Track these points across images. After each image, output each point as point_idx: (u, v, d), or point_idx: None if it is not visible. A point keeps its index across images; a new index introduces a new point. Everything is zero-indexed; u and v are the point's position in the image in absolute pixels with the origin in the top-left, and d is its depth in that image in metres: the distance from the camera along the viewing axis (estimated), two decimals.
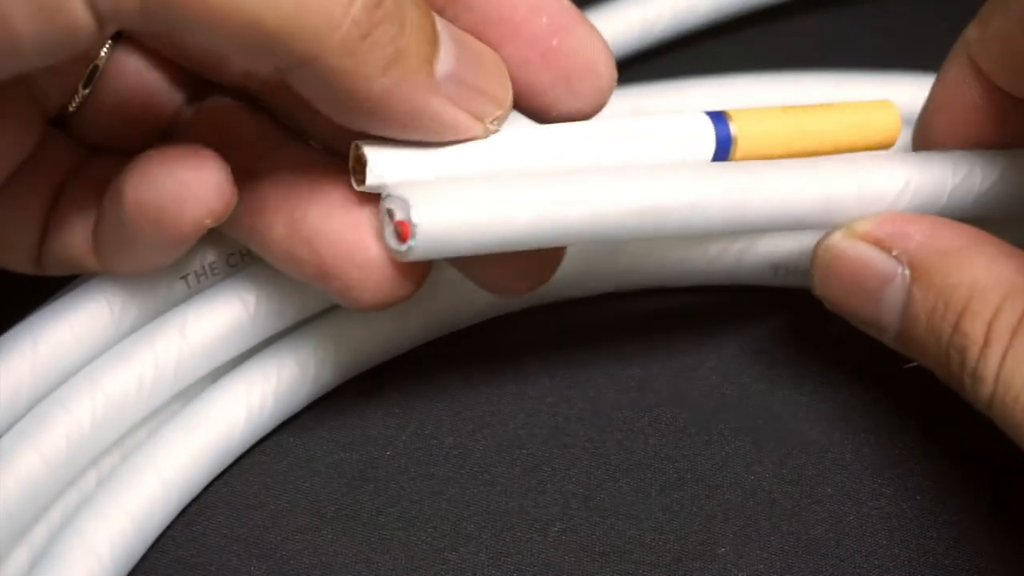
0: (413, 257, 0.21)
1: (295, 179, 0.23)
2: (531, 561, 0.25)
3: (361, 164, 0.21)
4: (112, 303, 0.24)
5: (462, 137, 0.22)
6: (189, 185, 0.21)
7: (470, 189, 0.21)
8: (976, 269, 0.23)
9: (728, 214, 0.23)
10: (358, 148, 0.22)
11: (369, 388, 0.28)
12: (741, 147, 0.24)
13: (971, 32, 0.25)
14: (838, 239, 0.25)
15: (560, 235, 0.22)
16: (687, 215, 0.23)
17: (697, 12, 0.35)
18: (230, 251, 0.26)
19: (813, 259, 0.25)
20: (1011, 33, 0.23)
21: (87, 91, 0.24)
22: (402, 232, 0.21)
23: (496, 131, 0.22)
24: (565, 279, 0.28)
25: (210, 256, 0.25)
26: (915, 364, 0.25)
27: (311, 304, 0.26)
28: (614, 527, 0.25)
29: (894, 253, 0.24)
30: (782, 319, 0.29)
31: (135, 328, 0.25)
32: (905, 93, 0.30)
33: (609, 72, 0.23)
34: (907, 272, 0.24)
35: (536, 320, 0.29)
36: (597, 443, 0.27)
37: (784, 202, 0.24)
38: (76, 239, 0.23)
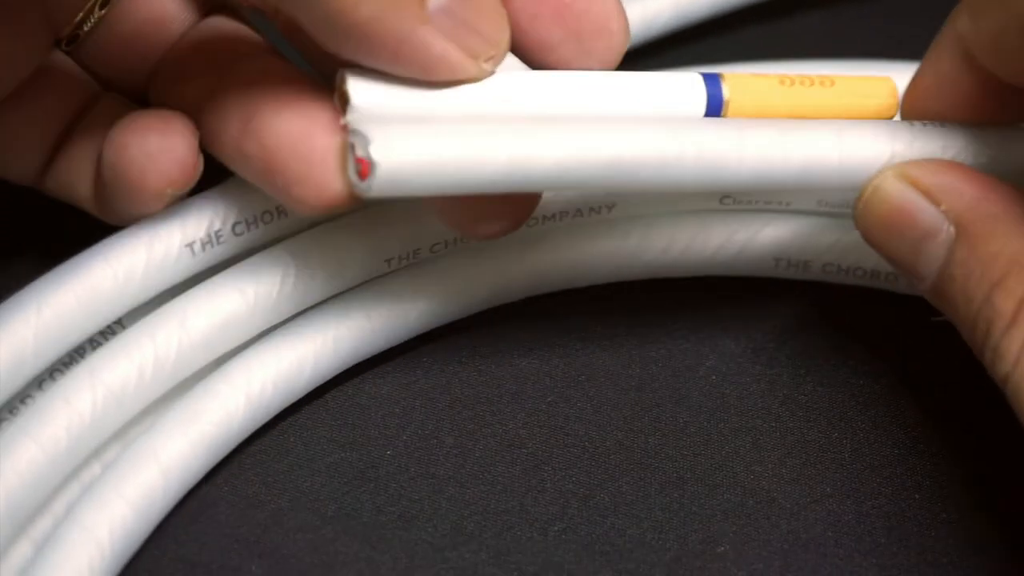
0: (372, 195, 0.21)
1: (257, 82, 0.23)
2: (531, 560, 0.25)
3: (345, 96, 0.21)
4: (116, 270, 0.24)
5: (455, 75, 0.21)
6: (154, 156, 0.22)
7: (437, 131, 0.21)
8: (1019, 240, 0.22)
9: (703, 170, 0.22)
10: (342, 77, 0.21)
11: (369, 387, 0.28)
12: (732, 111, 0.24)
13: (962, 23, 0.24)
14: (888, 179, 0.24)
15: (529, 182, 0.21)
16: (660, 169, 0.22)
17: (698, 7, 0.35)
18: (235, 220, 0.26)
19: (859, 199, 0.24)
20: (1008, 28, 0.23)
21: (103, 12, 0.24)
22: (361, 169, 0.21)
23: (490, 72, 0.22)
24: (565, 269, 0.28)
25: (216, 224, 0.25)
26: (942, 319, 0.24)
27: (312, 295, 0.26)
28: (614, 526, 0.25)
29: (942, 208, 0.23)
30: (782, 319, 0.29)
31: (140, 296, 0.25)
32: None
33: (622, 32, 0.23)
34: (952, 230, 0.23)
35: (536, 319, 0.29)
36: (597, 443, 0.27)
37: (761, 162, 0.23)
38: (81, 178, 0.24)
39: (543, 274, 0.28)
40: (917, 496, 0.26)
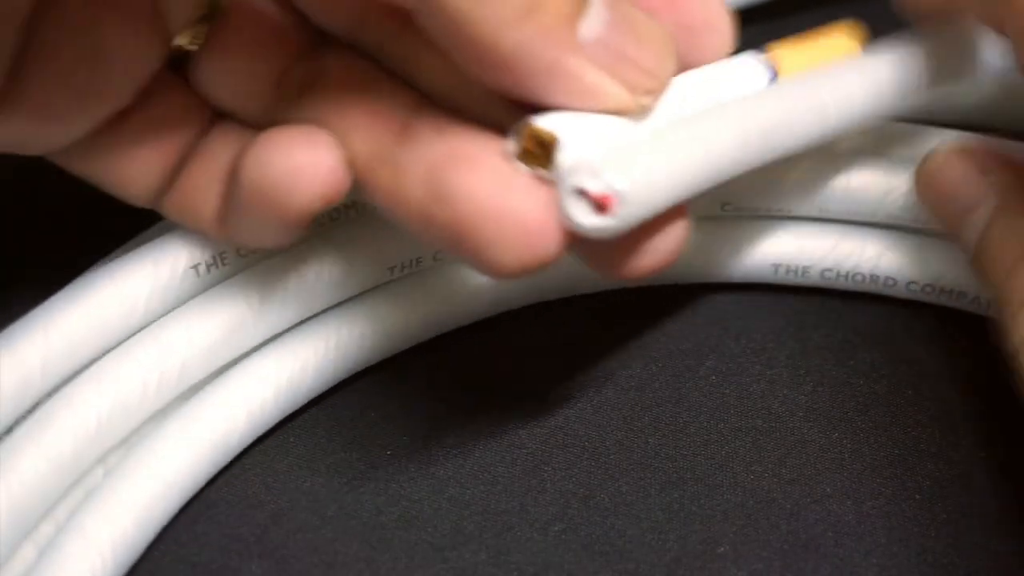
0: (611, 231, 0.20)
1: (437, 137, 0.21)
2: (531, 560, 0.25)
3: (538, 142, 0.20)
4: (122, 292, 0.25)
5: (607, 107, 0.21)
6: (302, 170, 0.21)
7: (648, 147, 0.21)
8: None
9: (838, 117, 0.24)
10: (528, 125, 0.20)
11: (369, 388, 0.28)
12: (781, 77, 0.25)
13: None
14: (943, 152, 0.26)
15: (724, 172, 0.22)
16: (810, 124, 0.24)
17: None
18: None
19: (918, 169, 0.27)
20: None
21: (208, 26, 0.24)
22: (603, 205, 0.20)
23: (649, 107, 0.21)
24: (567, 275, 0.28)
25: (220, 246, 0.25)
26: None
27: (314, 303, 0.26)
28: (614, 527, 0.25)
29: (991, 179, 0.25)
30: (782, 319, 0.29)
31: (146, 318, 0.25)
32: None
33: (729, 32, 0.23)
34: (993, 202, 0.25)
35: (536, 320, 0.29)
36: (597, 443, 0.27)
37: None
38: (204, 201, 0.23)
39: (544, 282, 0.28)
40: (917, 496, 0.26)
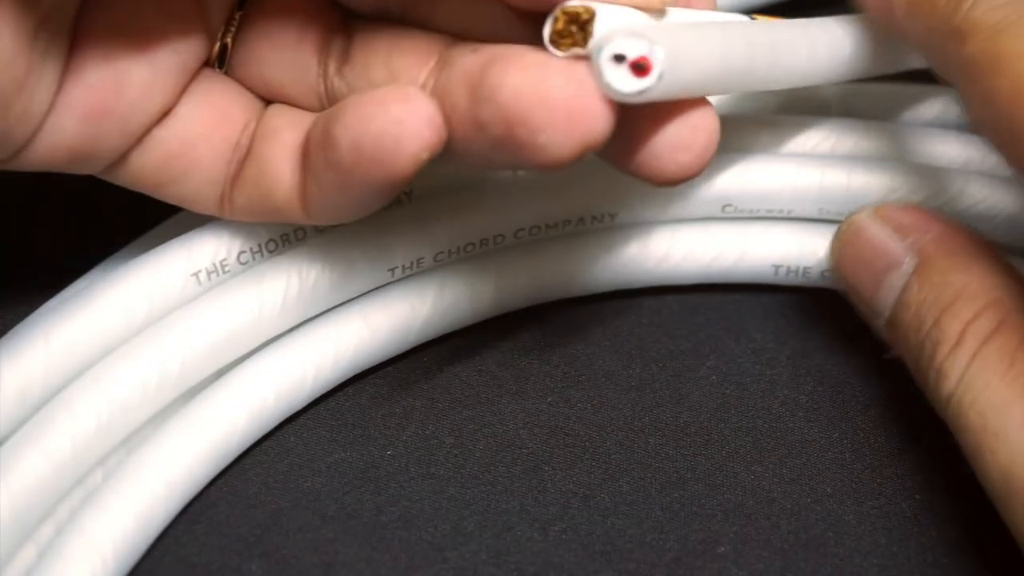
0: (652, 95, 0.21)
1: (472, 54, 0.23)
2: (531, 560, 0.25)
3: (568, 28, 0.22)
4: (123, 300, 0.25)
5: (634, 0, 0.22)
6: (405, 121, 0.21)
7: (685, 30, 0.22)
8: (971, 274, 0.24)
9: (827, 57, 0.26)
10: (568, 10, 0.22)
11: (369, 388, 0.28)
12: None
13: None
14: (863, 216, 0.27)
15: (738, 70, 0.24)
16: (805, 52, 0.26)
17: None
18: (240, 249, 0.26)
19: (836, 232, 0.27)
20: None
21: (241, 12, 0.25)
22: (644, 68, 0.21)
23: (666, 7, 0.23)
24: (566, 278, 0.28)
25: (221, 254, 0.26)
26: (894, 355, 0.26)
27: (315, 305, 0.26)
28: (614, 527, 0.25)
29: (908, 241, 0.25)
30: (782, 319, 0.29)
31: (146, 326, 0.25)
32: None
33: None
34: (914, 262, 0.25)
35: (536, 320, 0.29)
36: (597, 443, 0.27)
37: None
38: (278, 182, 0.24)
39: (544, 283, 0.28)
40: (917, 496, 0.26)
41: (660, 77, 0.21)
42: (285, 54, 0.25)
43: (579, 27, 0.22)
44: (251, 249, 0.26)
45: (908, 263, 0.25)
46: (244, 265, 0.26)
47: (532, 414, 0.27)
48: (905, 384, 0.28)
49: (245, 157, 0.24)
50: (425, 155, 0.21)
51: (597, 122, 0.21)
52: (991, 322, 0.23)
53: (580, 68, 0.21)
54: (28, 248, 0.30)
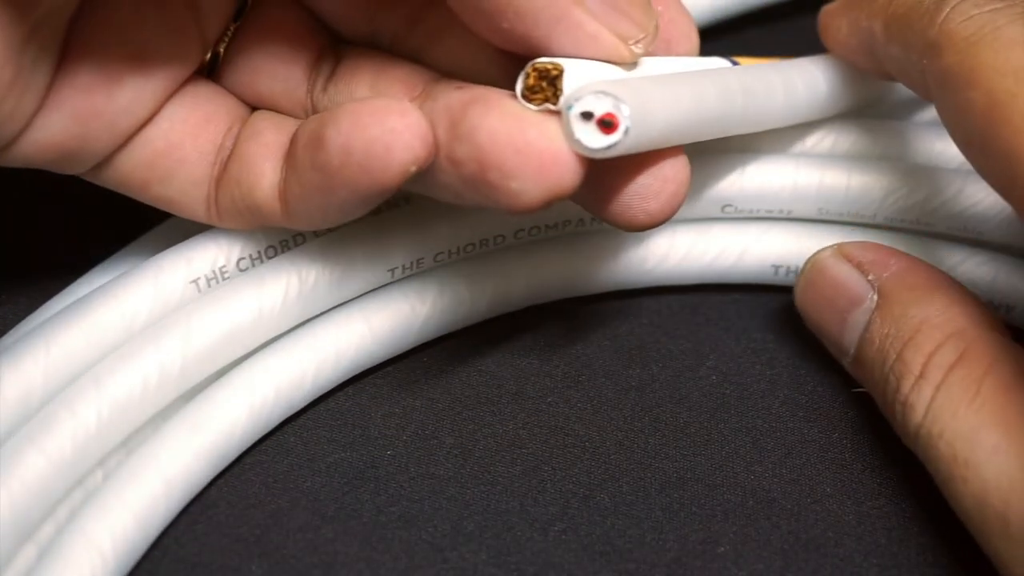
0: (616, 151, 0.22)
1: (454, 92, 0.23)
2: (531, 560, 0.25)
3: (545, 79, 0.22)
4: (123, 307, 0.25)
5: (607, 55, 0.23)
6: (398, 132, 0.22)
7: (644, 82, 0.23)
8: (932, 307, 0.25)
9: (791, 104, 0.27)
10: (534, 65, 0.22)
11: (369, 388, 0.28)
12: None
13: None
14: (825, 255, 0.27)
15: (710, 118, 0.24)
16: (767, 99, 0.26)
17: (696, 11, 0.35)
18: (239, 256, 0.26)
19: (800, 272, 0.27)
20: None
21: (237, 24, 0.25)
22: (611, 125, 0.22)
23: (639, 55, 0.23)
24: (565, 278, 0.28)
25: (220, 260, 0.26)
26: (863, 390, 0.26)
27: (315, 305, 0.26)
28: (614, 527, 0.25)
29: (870, 278, 0.26)
30: (782, 319, 0.29)
31: (145, 332, 0.25)
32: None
33: (696, 38, 0.26)
34: (875, 298, 0.26)
35: (536, 320, 0.29)
36: (597, 443, 0.27)
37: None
38: (259, 183, 0.24)
39: (544, 284, 0.28)
40: (917, 496, 0.26)
41: (626, 133, 0.22)
42: (277, 68, 0.25)
43: (549, 82, 0.22)
44: (250, 255, 0.26)
45: (870, 300, 0.26)
46: (243, 272, 0.26)
47: (532, 414, 0.27)
48: None
49: (229, 157, 0.25)
50: (413, 168, 0.22)
51: (567, 174, 0.22)
52: (954, 352, 0.24)
53: (552, 122, 0.22)
54: (28, 248, 0.30)
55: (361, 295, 0.27)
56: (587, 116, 0.22)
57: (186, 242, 0.26)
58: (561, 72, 0.22)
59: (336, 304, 0.27)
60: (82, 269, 0.27)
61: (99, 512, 0.23)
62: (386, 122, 0.22)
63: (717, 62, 0.27)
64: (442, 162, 0.22)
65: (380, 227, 0.27)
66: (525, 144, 0.21)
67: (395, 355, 0.28)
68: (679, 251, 0.29)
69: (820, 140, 0.29)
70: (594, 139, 0.22)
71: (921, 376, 0.24)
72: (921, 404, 0.24)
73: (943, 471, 0.23)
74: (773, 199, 0.29)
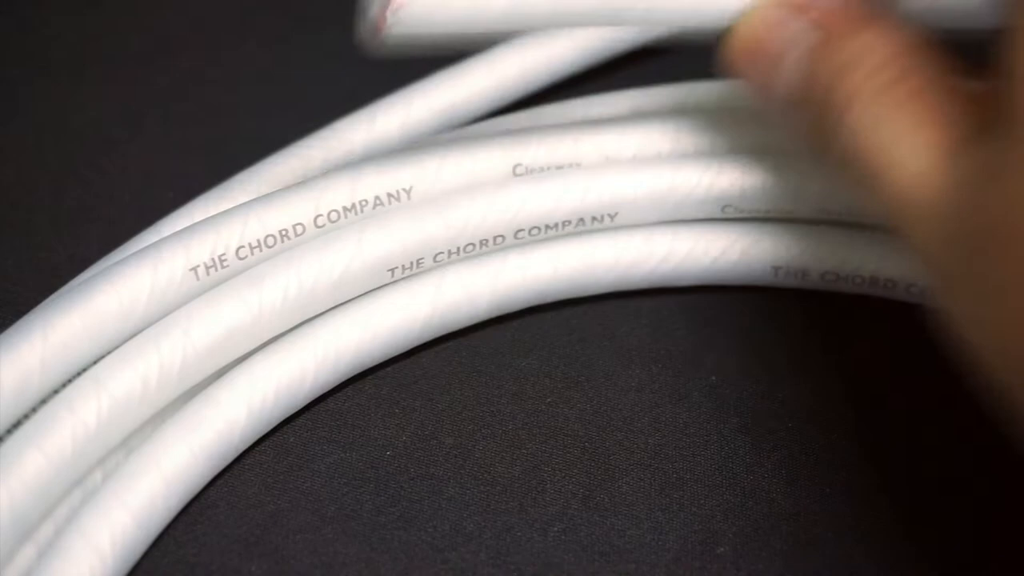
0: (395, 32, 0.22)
1: None
2: (531, 560, 0.25)
3: None
4: (121, 295, 0.25)
5: None
6: None
7: None
8: (870, 34, 0.23)
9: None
10: None
11: (369, 388, 0.28)
12: None
13: None
14: (758, 3, 0.25)
15: (528, 21, 0.23)
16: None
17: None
18: (239, 244, 0.26)
19: (731, 28, 0.25)
20: None
21: None
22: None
23: None
24: (566, 278, 0.28)
25: (220, 248, 0.26)
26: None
27: (315, 305, 0.26)
28: (614, 527, 0.25)
29: (805, 18, 0.24)
30: (782, 319, 0.29)
31: (145, 320, 0.25)
32: None
33: None
34: (812, 35, 0.24)
35: (536, 320, 0.29)
36: (597, 443, 0.27)
37: None
38: None
39: (544, 283, 0.28)
40: (917, 496, 0.26)
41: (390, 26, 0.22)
42: None
43: None
44: (250, 244, 0.26)
45: (807, 37, 0.24)
46: (243, 260, 0.26)
47: (532, 414, 0.27)
48: (906, 384, 0.28)
49: None
50: None
51: None
52: (893, 71, 0.23)
53: None
54: (28, 247, 0.30)
55: (361, 295, 0.27)
56: None
57: (185, 229, 0.26)
58: None
59: (336, 304, 0.27)
60: (82, 267, 0.27)
61: (98, 512, 0.23)
62: None
63: None
64: None
65: (380, 227, 0.27)
66: None
67: (395, 355, 0.28)
68: (679, 252, 0.29)
69: None
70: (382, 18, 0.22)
71: (856, 93, 0.23)
72: (856, 120, 0.23)
73: (868, 181, 0.23)
74: (773, 199, 0.29)
